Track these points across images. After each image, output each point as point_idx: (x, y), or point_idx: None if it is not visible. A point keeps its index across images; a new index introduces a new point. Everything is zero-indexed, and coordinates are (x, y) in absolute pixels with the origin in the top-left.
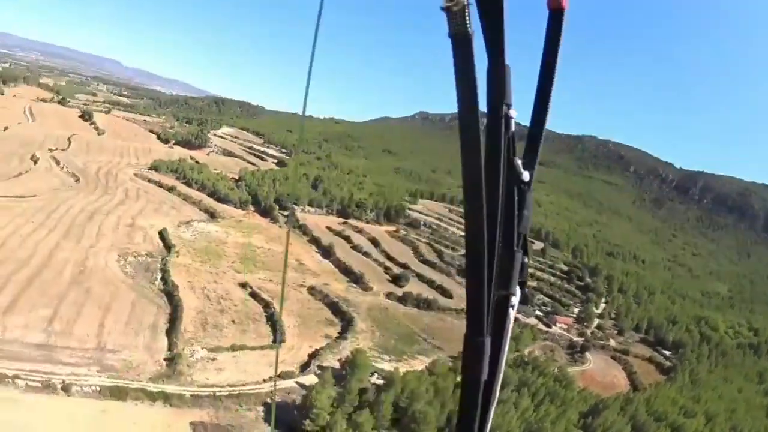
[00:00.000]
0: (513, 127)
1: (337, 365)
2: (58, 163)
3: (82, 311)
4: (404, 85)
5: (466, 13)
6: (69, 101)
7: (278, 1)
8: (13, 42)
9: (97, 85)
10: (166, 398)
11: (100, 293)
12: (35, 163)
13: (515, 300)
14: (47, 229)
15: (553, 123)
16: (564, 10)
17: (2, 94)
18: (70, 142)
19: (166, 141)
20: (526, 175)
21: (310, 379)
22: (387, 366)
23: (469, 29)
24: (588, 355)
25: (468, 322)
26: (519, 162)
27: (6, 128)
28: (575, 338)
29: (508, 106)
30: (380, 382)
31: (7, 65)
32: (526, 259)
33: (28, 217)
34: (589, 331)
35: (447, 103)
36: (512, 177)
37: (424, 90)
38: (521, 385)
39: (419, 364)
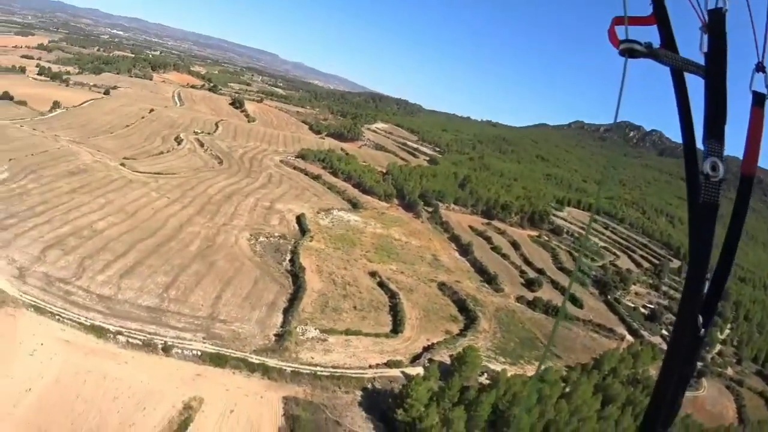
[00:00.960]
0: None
1: (447, 360)
2: (202, 145)
3: (202, 282)
4: (563, 94)
5: (721, 187)
6: (220, 89)
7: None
8: (166, 32)
9: (252, 75)
10: (265, 371)
11: (224, 268)
12: (178, 143)
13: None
14: (181, 205)
15: None
16: (754, 177)
17: (151, 80)
18: (217, 127)
19: (318, 132)
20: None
21: (417, 371)
22: (500, 368)
23: (719, 201)
24: (704, 381)
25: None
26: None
27: (152, 110)
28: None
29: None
30: (488, 382)
31: (158, 53)
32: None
33: (163, 192)
34: (709, 356)
35: (602, 115)
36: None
37: (582, 100)
38: (627, 404)
39: (533, 370)
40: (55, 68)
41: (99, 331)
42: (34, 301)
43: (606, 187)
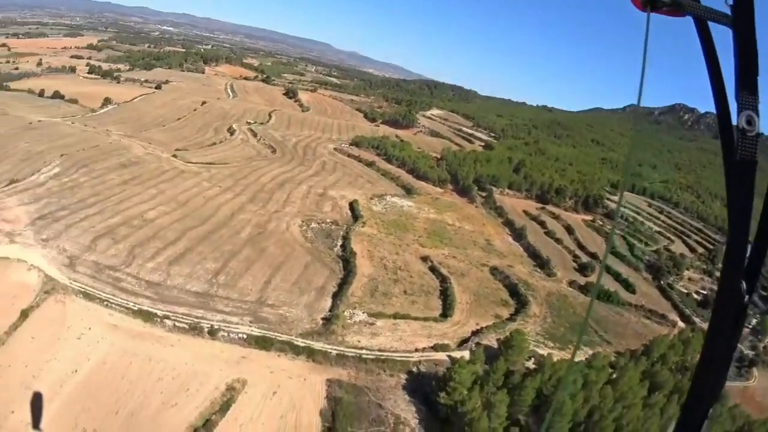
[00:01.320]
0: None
1: (495, 345)
2: (255, 135)
3: (252, 268)
4: (617, 78)
5: (756, 142)
6: (274, 80)
7: None
8: (217, 26)
9: (306, 65)
10: (310, 353)
11: (274, 253)
12: (231, 134)
13: (711, 412)
14: (233, 193)
15: None
16: None
17: (203, 73)
18: (270, 117)
19: (372, 119)
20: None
21: (464, 354)
22: (548, 352)
23: (756, 157)
24: (755, 370)
25: (679, 424)
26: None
27: (204, 102)
28: (746, 351)
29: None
30: (534, 367)
31: (209, 47)
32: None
33: (215, 181)
34: (761, 345)
35: (656, 98)
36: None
37: (635, 83)
38: (674, 391)
39: (582, 355)
40: (105, 66)
41: (146, 316)
42: (83, 288)
43: (629, 169)
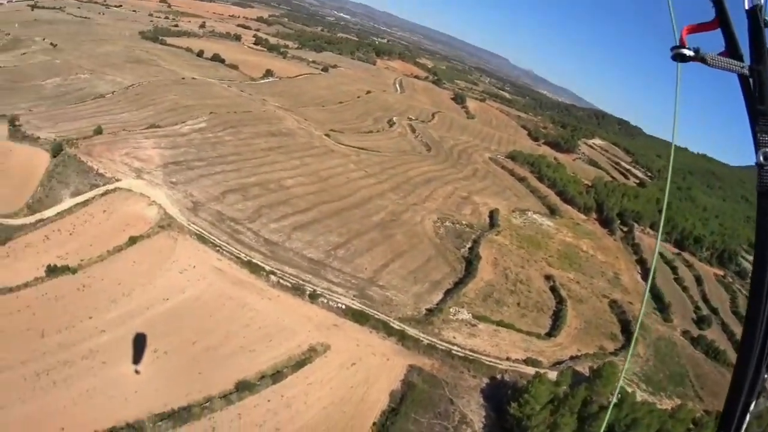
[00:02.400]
0: None
1: (587, 373)
2: (413, 131)
3: (374, 249)
4: None
5: None
6: (444, 83)
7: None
8: (395, 22)
9: (480, 76)
10: (401, 337)
11: (400, 241)
12: (390, 126)
13: (752, 407)
14: (377, 180)
15: None
16: None
17: (374, 65)
18: (433, 117)
19: (535, 138)
20: None
21: (552, 374)
22: (636, 392)
23: None
24: None
25: (721, 419)
26: None
27: (369, 92)
28: None
29: None
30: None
31: (384, 41)
32: (767, 375)
33: (362, 166)
34: None
35: None
36: None
37: None
38: None
39: (670, 404)
40: (273, 40)
41: (254, 268)
42: (200, 231)
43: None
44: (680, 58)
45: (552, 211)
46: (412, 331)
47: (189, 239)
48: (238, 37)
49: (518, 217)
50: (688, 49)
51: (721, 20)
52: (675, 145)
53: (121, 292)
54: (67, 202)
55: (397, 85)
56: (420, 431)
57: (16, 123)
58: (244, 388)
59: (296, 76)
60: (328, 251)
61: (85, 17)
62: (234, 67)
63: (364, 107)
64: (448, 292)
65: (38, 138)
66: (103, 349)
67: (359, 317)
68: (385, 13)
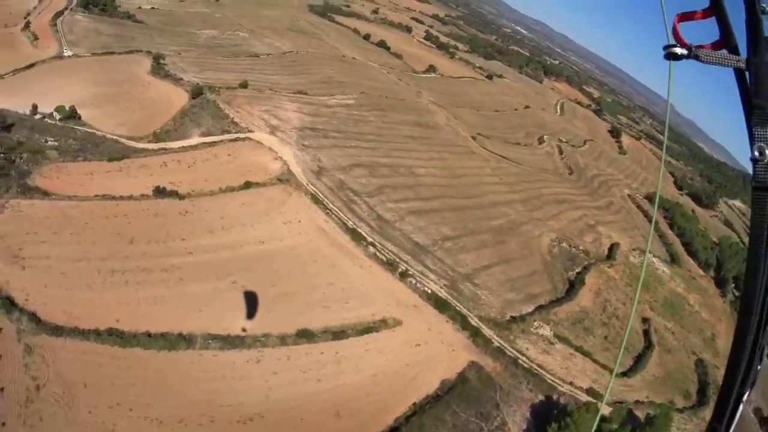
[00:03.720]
0: None
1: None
2: (560, 152)
3: (482, 250)
4: None
5: None
6: (604, 115)
7: None
8: (570, 46)
9: (643, 115)
10: (475, 334)
11: (510, 249)
12: (539, 143)
13: (746, 397)
14: (508, 188)
15: None
16: None
17: (540, 82)
18: (584, 144)
19: (679, 187)
20: None
21: (609, 410)
22: None
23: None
24: None
25: (715, 409)
26: None
27: (527, 107)
28: None
29: None
30: None
31: (555, 62)
32: (759, 366)
33: (498, 172)
34: None
35: None
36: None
37: None
38: None
39: None
40: (443, 39)
41: (356, 236)
42: (316, 193)
43: None
44: (673, 56)
45: (672, 259)
46: (487, 331)
47: (303, 197)
48: (408, 29)
49: (637, 257)
50: (681, 47)
51: (715, 8)
52: (666, 144)
53: (221, 225)
54: (195, 140)
55: (558, 107)
56: (455, 423)
57: (161, 61)
58: (303, 335)
59: (459, 77)
60: (436, 240)
61: None
62: (398, 56)
63: (518, 120)
64: (539, 307)
65: (180, 79)
66: (185, 268)
67: (441, 305)
68: (561, 35)
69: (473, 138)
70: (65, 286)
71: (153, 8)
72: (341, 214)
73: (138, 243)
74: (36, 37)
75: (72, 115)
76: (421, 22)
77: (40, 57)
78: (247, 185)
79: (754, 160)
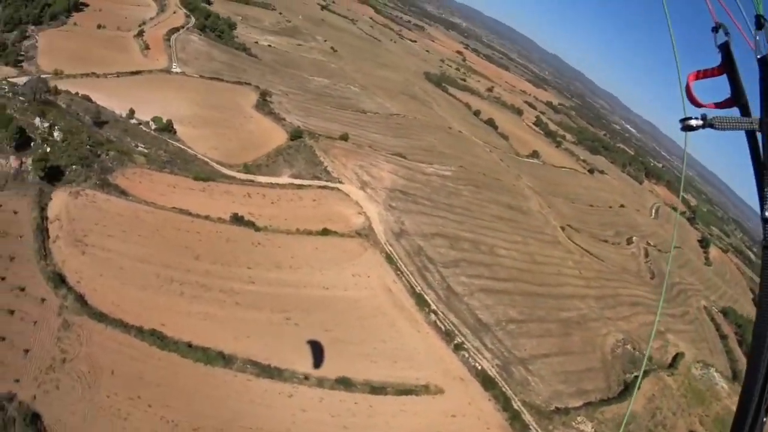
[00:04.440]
0: None
1: None
2: (646, 255)
3: (544, 338)
4: None
5: None
6: (697, 223)
7: None
8: (676, 150)
9: (735, 229)
10: (514, 416)
11: (573, 342)
12: (627, 243)
13: (764, 421)
14: (584, 283)
15: None
16: None
17: (640, 183)
18: (671, 251)
19: (758, 305)
20: None
21: None
22: None
23: None
24: None
25: None
26: None
27: (622, 206)
28: None
29: None
30: None
31: (659, 165)
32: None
33: (580, 267)
34: None
35: None
36: None
37: None
38: None
39: None
40: (552, 127)
41: (421, 301)
42: (391, 253)
43: None
44: (688, 128)
45: (735, 376)
46: (527, 417)
47: (377, 255)
48: (520, 112)
49: (699, 369)
50: (696, 119)
51: (727, 66)
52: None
53: (290, 264)
54: (284, 179)
55: (653, 210)
56: None
57: (267, 98)
58: (342, 382)
59: (560, 167)
60: (500, 321)
61: (376, 38)
62: (504, 137)
63: (611, 218)
64: (588, 404)
65: (283, 119)
66: (243, 294)
67: (488, 382)
68: (671, 140)
69: (562, 228)
70: (120, 280)
71: (270, 46)
72: (412, 278)
73: (203, 261)
74: (147, 47)
75: (168, 128)
76: (534, 107)
77: (148, 67)
78: (325, 232)
79: (765, 220)
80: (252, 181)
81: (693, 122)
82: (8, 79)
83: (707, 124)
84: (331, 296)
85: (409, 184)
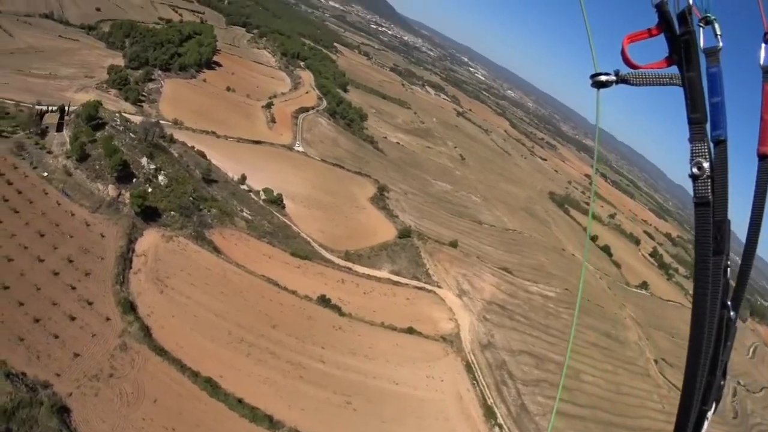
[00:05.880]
0: (729, 275)
1: None
2: (734, 395)
3: None
4: None
5: (709, 183)
6: None
7: None
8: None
9: None
10: None
11: None
12: None
13: (710, 414)
14: (666, 418)
15: None
16: None
17: (743, 321)
18: (761, 391)
19: None
20: (732, 315)
21: None
22: None
23: (709, 196)
24: None
25: (675, 427)
26: (729, 304)
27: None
28: None
29: (727, 257)
30: None
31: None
32: (723, 382)
33: (665, 402)
34: None
35: None
36: (722, 316)
37: None
38: None
39: None
40: (667, 259)
41: (490, 413)
42: (472, 362)
43: None
44: (599, 84)
45: None
46: None
47: (457, 361)
48: (637, 241)
49: None
50: (607, 74)
51: (664, 26)
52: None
53: (365, 353)
54: (382, 273)
55: (750, 349)
56: None
57: (385, 193)
58: None
59: (667, 300)
60: None
61: (506, 152)
62: (617, 265)
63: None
64: None
65: (396, 216)
66: (310, 370)
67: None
68: None
69: (655, 361)
70: (191, 326)
71: (398, 143)
72: (486, 390)
73: (279, 330)
74: (273, 120)
75: (277, 201)
76: (652, 238)
77: (270, 139)
78: (410, 330)
79: (693, 177)
80: (350, 268)
81: (603, 77)
82: (124, 114)
83: (620, 79)
84: (398, 391)
85: (509, 300)
